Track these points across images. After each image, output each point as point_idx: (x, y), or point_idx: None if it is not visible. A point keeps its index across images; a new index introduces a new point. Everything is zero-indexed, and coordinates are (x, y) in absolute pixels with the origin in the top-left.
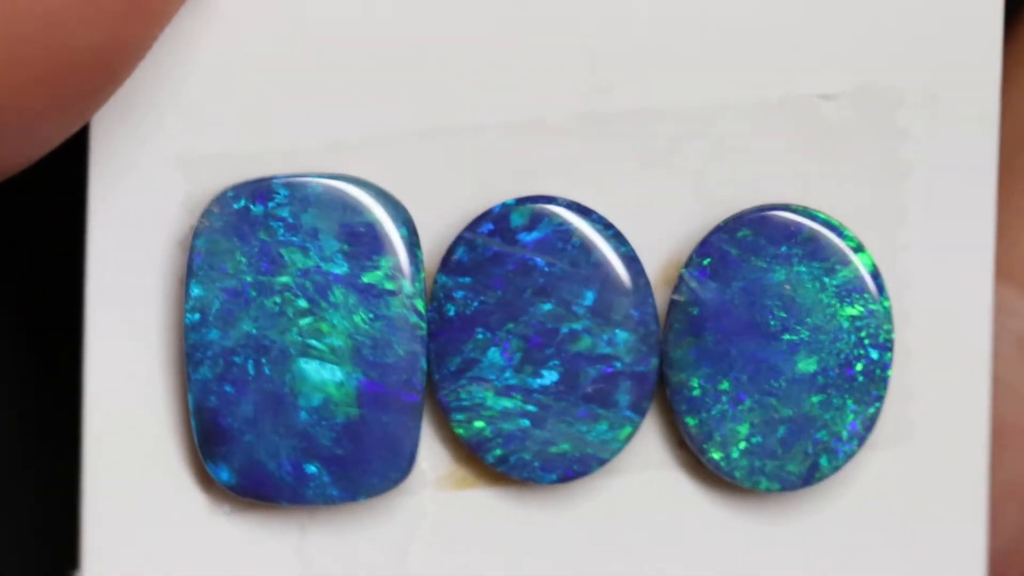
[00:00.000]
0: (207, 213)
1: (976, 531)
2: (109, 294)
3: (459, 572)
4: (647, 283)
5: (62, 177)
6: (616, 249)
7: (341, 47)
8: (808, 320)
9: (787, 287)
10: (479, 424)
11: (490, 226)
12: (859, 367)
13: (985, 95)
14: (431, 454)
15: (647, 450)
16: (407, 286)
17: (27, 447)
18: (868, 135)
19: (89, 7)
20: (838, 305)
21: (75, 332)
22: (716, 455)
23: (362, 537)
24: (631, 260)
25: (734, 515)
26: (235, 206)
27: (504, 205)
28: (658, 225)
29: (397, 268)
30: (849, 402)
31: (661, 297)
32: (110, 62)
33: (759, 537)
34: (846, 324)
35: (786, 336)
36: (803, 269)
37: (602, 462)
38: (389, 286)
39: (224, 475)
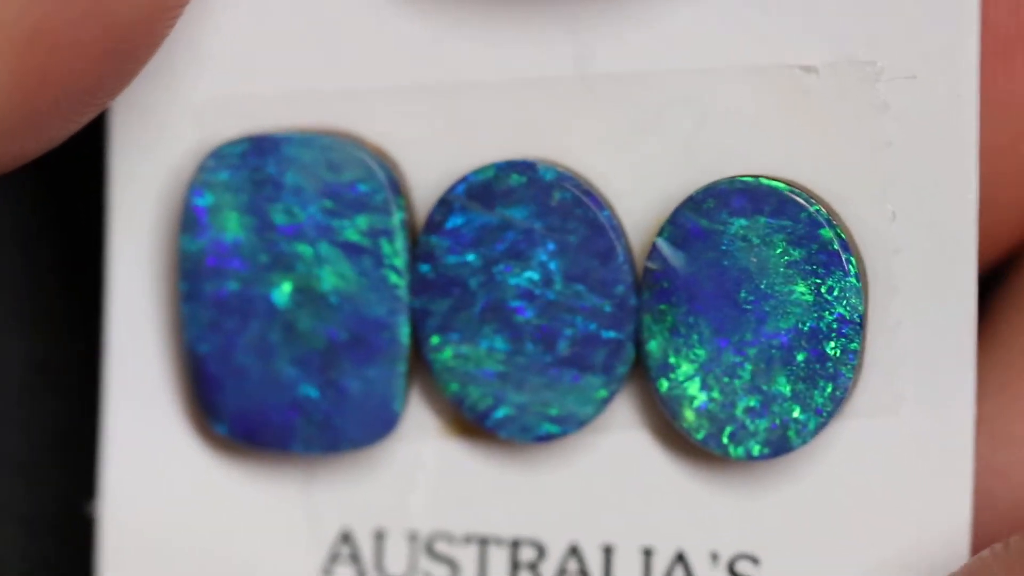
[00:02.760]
0: (201, 168)
1: (961, 505)
2: (130, 237)
3: (462, 520)
4: (626, 248)
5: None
6: (595, 215)
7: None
8: (775, 292)
9: (754, 260)
10: (459, 384)
11: (470, 189)
12: (827, 341)
13: (962, 73)
14: (434, 404)
15: (624, 413)
16: (385, 245)
17: (49, 387)
18: (848, 107)
19: None
20: (805, 278)
21: (98, 278)
22: (687, 422)
23: (366, 483)
24: (610, 226)
25: (707, 481)
26: (227, 163)
27: (484, 169)
28: (645, 191)
29: (378, 226)
30: (818, 376)
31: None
32: (156, 26)
33: (732, 503)
34: (812, 298)
35: (754, 308)
36: (771, 241)
37: (580, 424)
38: (369, 244)
39: (217, 423)
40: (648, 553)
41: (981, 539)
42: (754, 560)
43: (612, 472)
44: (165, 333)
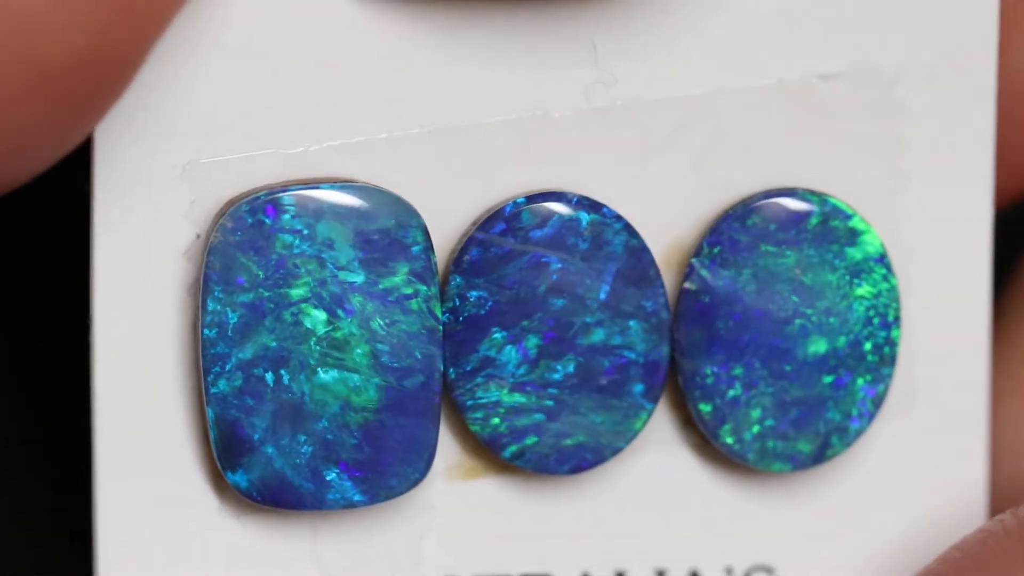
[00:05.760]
0: (220, 228)
1: (977, 493)
2: (115, 305)
3: (473, 563)
4: (658, 273)
5: (66, 188)
6: (627, 242)
7: (343, 51)
8: (819, 303)
9: (797, 271)
10: (495, 421)
11: (502, 225)
12: (868, 346)
13: (982, 70)
14: (441, 447)
15: (656, 434)
16: (423, 290)
17: (39, 457)
18: (867, 113)
19: (71, 14)
20: (848, 286)
21: (83, 342)
22: (729, 440)
23: (374, 533)
24: (642, 251)
25: (744, 495)
26: (248, 219)
27: (515, 203)
28: (661, 210)
29: (413, 272)
30: (859, 381)
31: (666, 281)
32: (101, 71)
33: (769, 516)
34: (856, 305)
35: (798, 320)
36: (812, 252)
37: (616, 451)
38: (406, 291)
39: (244, 485)
40: (661, 574)
41: None
42: (769, 570)
43: (622, 496)
44: (155, 390)
